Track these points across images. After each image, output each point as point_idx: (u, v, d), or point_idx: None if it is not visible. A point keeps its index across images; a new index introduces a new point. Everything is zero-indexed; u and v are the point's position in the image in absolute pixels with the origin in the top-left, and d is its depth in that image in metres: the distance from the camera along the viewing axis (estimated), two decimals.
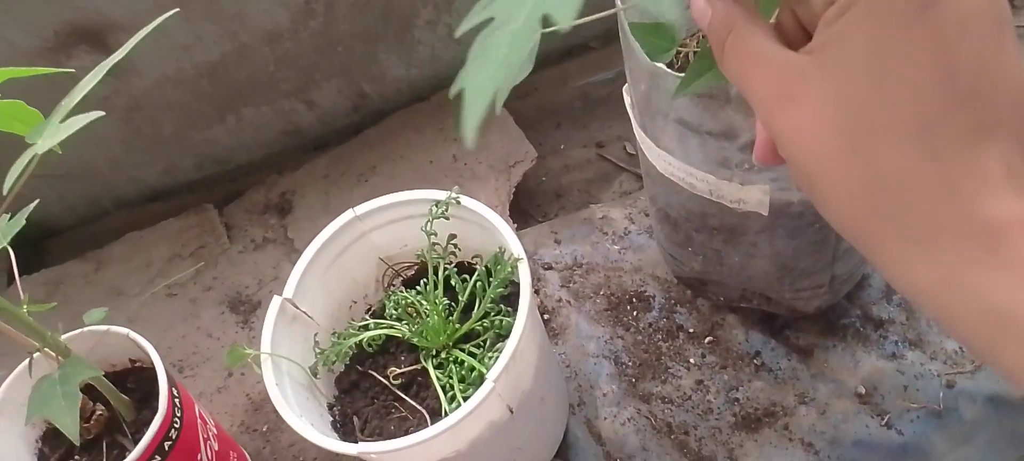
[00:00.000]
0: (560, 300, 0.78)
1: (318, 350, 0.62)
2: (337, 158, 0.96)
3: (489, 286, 0.60)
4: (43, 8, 0.76)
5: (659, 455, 0.67)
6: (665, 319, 0.75)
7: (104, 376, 0.58)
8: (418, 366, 0.62)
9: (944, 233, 0.26)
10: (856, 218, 0.28)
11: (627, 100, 0.62)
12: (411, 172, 0.92)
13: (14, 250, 0.54)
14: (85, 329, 0.59)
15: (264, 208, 0.94)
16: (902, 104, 0.26)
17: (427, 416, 0.59)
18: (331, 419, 0.61)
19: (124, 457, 0.54)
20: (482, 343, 0.61)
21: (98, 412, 0.60)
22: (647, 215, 0.83)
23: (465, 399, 0.54)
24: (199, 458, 0.60)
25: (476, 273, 0.61)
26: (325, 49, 0.90)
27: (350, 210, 0.63)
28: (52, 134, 0.44)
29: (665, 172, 0.61)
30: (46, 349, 0.54)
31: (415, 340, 0.61)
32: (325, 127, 0.99)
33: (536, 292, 0.79)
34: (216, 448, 0.63)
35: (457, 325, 0.61)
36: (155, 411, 0.56)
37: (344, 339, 0.63)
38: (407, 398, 0.61)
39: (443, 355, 0.61)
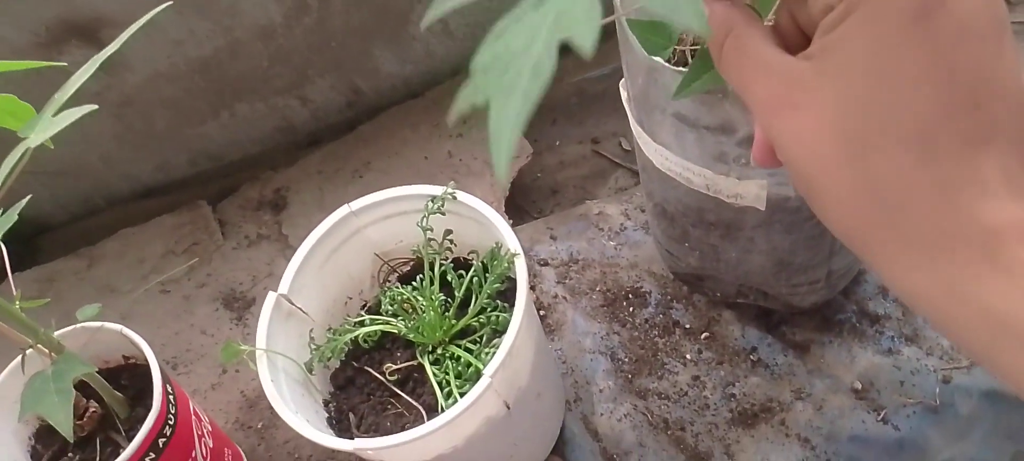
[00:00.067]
0: (556, 296, 0.78)
1: (313, 346, 0.62)
2: (331, 154, 0.95)
3: (485, 282, 0.60)
4: (34, 3, 0.76)
5: (656, 451, 0.67)
6: (661, 315, 0.75)
7: (98, 373, 0.57)
8: (414, 362, 0.62)
9: (943, 239, 0.26)
10: (855, 223, 0.28)
11: (623, 95, 0.62)
12: (406, 168, 0.91)
13: (6, 246, 0.53)
14: (78, 326, 0.59)
15: (258, 204, 0.94)
16: (901, 110, 0.26)
17: (423, 412, 0.59)
18: (327, 416, 0.61)
19: (118, 454, 0.54)
20: (478, 339, 0.60)
21: (92, 409, 0.60)
22: (643, 211, 0.83)
23: (462, 395, 0.53)
24: (193, 455, 0.60)
25: (472, 269, 0.61)
26: (319, 45, 0.90)
27: (346, 205, 0.62)
28: (44, 128, 0.43)
29: (662, 167, 0.60)
30: (39, 345, 0.53)
31: (411, 336, 0.61)
32: (319, 123, 0.98)
33: (532, 288, 0.79)
34: (211, 445, 0.63)
35: (453, 321, 0.61)
36: (149, 408, 0.55)
37: (340, 335, 0.62)
38: (403, 394, 0.60)
39: (439, 351, 0.61)
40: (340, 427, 0.61)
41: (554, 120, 0.96)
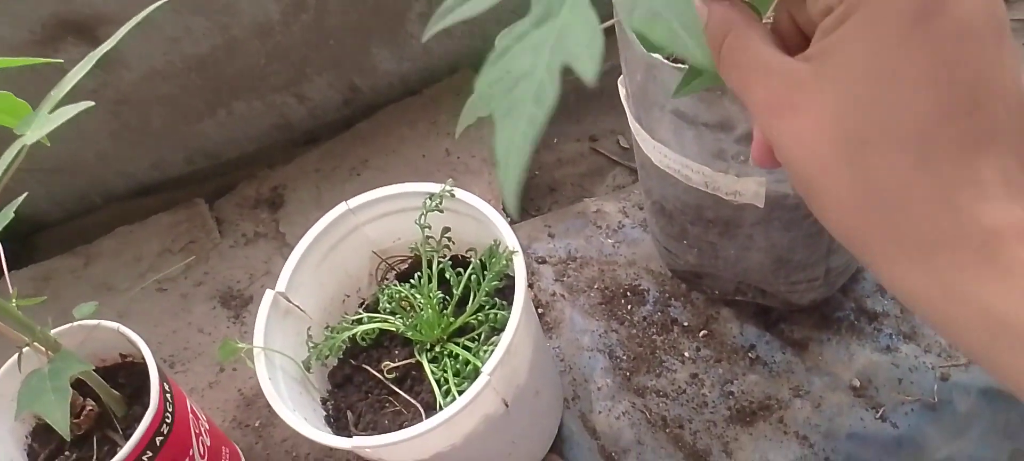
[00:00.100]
0: (554, 294, 0.78)
1: (311, 344, 0.61)
2: (328, 152, 0.95)
3: (483, 279, 0.59)
4: (31, 0, 0.75)
5: (654, 449, 0.67)
6: (660, 313, 0.75)
7: (94, 371, 0.57)
8: (412, 360, 0.61)
9: (941, 240, 0.26)
10: (854, 225, 0.28)
11: (622, 92, 0.61)
12: (403, 166, 0.91)
13: (2, 244, 0.53)
14: (75, 324, 0.58)
15: (255, 202, 0.94)
16: (900, 113, 0.26)
17: (421, 410, 0.59)
18: (325, 414, 0.61)
19: (115, 453, 0.54)
20: (476, 337, 0.60)
21: (88, 407, 0.60)
22: (641, 208, 0.82)
23: (460, 393, 0.53)
24: (191, 454, 0.60)
25: (470, 267, 0.61)
26: (316, 43, 0.89)
27: (343, 203, 0.62)
28: (40, 125, 0.43)
29: (660, 164, 0.60)
30: (36, 343, 0.53)
31: (409, 334, 0.61)
32: (316, 121, 0.98)
33: (530, 286, 0.79)
34: (208, 444, 0.63)
35: (451, 319, 0.61)
36: (146, 406, 0.55)
37: (337, 333, 0.62)
38: (401, 392, 0.60)
39: (437, 349, 0.61)
40: (338, 425, 0.61)
41: (551, 118, 0.96)
